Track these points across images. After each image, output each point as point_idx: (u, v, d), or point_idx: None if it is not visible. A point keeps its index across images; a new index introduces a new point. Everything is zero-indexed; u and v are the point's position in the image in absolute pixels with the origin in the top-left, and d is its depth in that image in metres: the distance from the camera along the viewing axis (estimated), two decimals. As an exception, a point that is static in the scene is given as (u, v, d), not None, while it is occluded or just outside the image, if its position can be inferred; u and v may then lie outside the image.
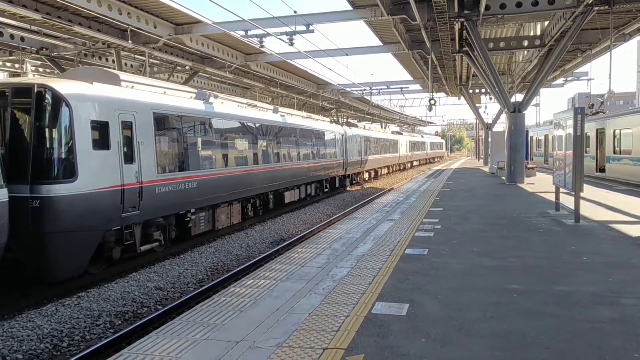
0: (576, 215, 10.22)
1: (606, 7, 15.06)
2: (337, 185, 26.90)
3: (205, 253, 12.08)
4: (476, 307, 5.16)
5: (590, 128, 22.12)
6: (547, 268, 6.73)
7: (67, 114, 8.57)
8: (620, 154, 19.73)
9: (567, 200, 11.58)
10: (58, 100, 8.53)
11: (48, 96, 8.50)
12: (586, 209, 11.42)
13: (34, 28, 15.44)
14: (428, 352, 4.10)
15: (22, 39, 16.85)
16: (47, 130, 8.58)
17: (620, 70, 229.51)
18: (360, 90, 35.30)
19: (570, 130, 10.06)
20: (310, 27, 16.78)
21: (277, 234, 14.77)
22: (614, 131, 20.27)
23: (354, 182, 31.23)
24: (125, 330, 7.15)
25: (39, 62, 20.94)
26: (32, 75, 20.14)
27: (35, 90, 8.43)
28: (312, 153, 22.13)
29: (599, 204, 13.16)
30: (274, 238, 14.27)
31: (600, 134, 22.19)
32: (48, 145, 8.56)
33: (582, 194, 10.19)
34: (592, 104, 25.97)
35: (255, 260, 11.25)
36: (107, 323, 7.69)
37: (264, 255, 11.76)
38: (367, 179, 34.60)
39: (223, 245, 12.92)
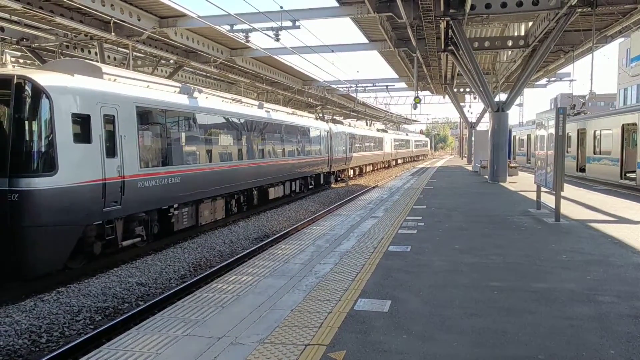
0: (556, 214, 10.37)
1: (589, 8, 15.28)
2: (321, 182, 26.91)
3: (188, 249, 11.99)
4: (457, 304, 5.21)
5: (571, 128, 22.47)
6: (527, 266, 6.82)
7: (47, 106, 8.42)
8: (600, 154, 20.07)
9: (548, 199, 11.75)
10: (38, 92, 8.37)
11: (28, 88, 8.33)
12: (566, 208, 11.60)
13: (14, 18, 15.11)
14: (409, 349, 4.13)
15: (2, 29, 16.47)
16: (26, 122, 8.40)
17: (601, 72, 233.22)
18: (346, 87, 35.33)
19: (552, 130, 10.20)
20: (297, 23, 16.74)
21: (260, 230, 14.73)
22: (595, 132, 20.61)
23: (338, 179, 31.28)
24: (106, 326, 7.07)
25: (19, 54, 20.48)
26: (11, 66, 19.72)
27: (15, 82, 8.26)
28: (297, 149, 22.09)
29: (579, 203, 13.38)
30: (258, 234, 14.23)
31: (581, 134, 22.55)
32: (27, 138, 8.40)
33: (562, 193, 10.35)
34: (574, 105, 26.32)
35: (238, 256, 11.21)
36: (87, 319, 7.60)
37: (248, 251, 11.73)
38: (351, 176, 34.69)
39: (206, 241, 12.84)
